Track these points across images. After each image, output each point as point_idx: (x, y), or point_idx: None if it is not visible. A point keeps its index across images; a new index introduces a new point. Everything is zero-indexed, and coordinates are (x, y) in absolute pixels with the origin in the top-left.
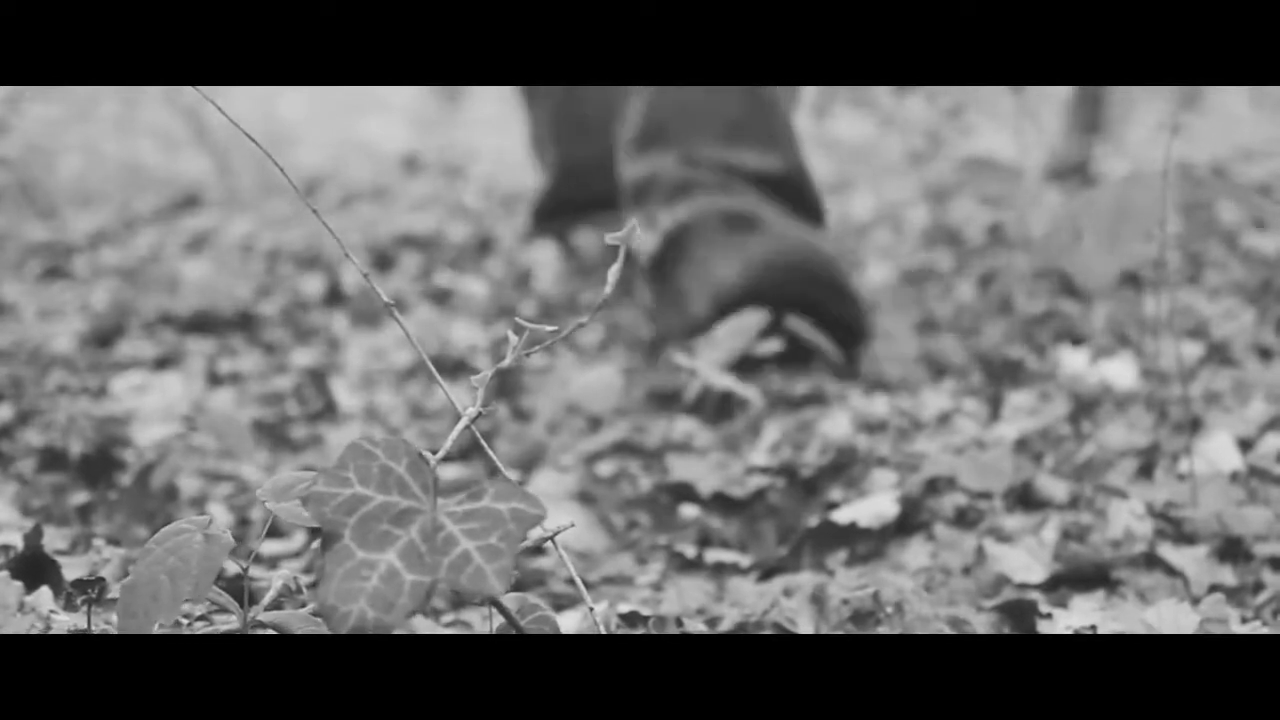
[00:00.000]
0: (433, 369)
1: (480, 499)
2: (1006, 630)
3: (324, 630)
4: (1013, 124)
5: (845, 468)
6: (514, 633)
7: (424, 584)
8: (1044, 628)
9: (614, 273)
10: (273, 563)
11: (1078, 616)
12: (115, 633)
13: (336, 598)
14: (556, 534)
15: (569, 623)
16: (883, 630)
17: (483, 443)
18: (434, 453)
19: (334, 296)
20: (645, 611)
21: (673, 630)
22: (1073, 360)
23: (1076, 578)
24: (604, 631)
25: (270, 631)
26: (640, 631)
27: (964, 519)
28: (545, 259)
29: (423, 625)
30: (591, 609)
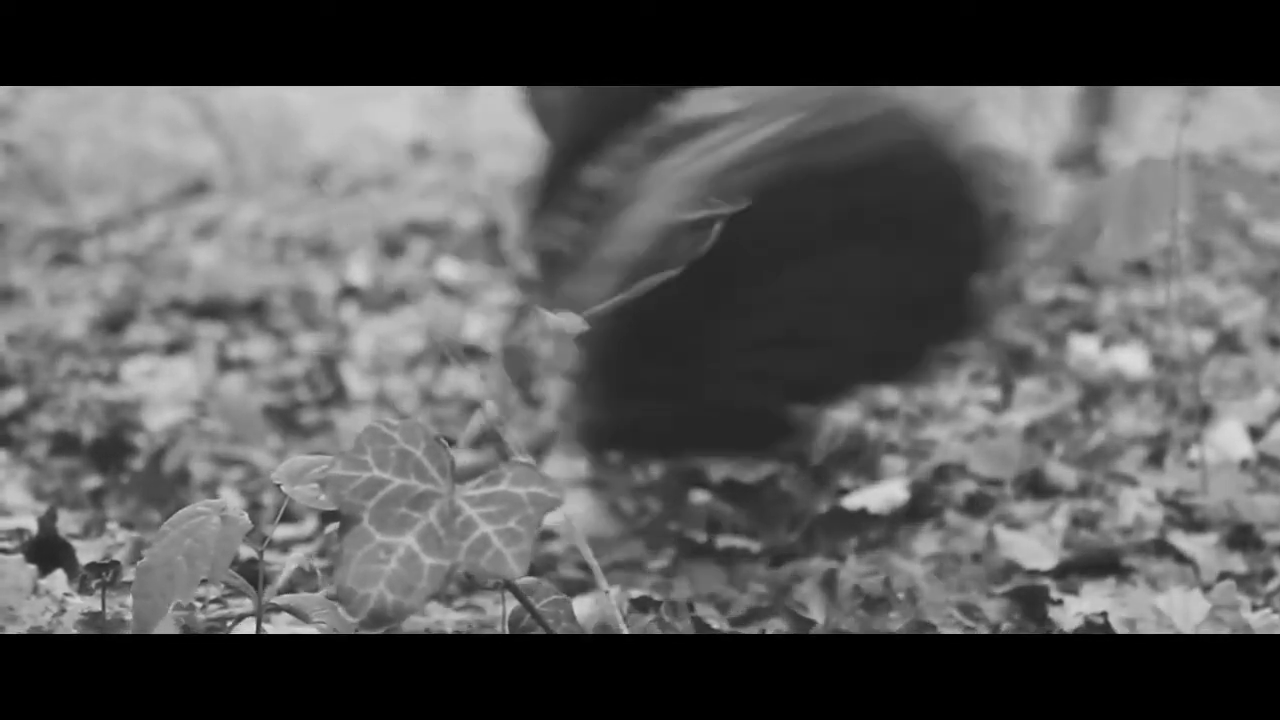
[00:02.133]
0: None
1: (498, 483)
2: (1018, 616)
3: (337, 612)
4: (1021, 113)
5: (856, 454)
6: (527, 618)
7: (443, 567)
8: (1055, 614)
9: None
10: (285, 547)
11: (1088, 603)
12: (129, 617)
13: (355, 581)
14: (572, 523)
15: (581, 608)
16: (894, 616)
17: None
18: (450, 441)
19: (343, 283)
20: (657, 596)
21: (684, 614)
22: (1083, 348)
23: (1087, 564)
24: (618, 614)
25: (284, 618)
26: (651, 616)
27: (974, 506)
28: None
29: (435, 610)
30: (607, 592)
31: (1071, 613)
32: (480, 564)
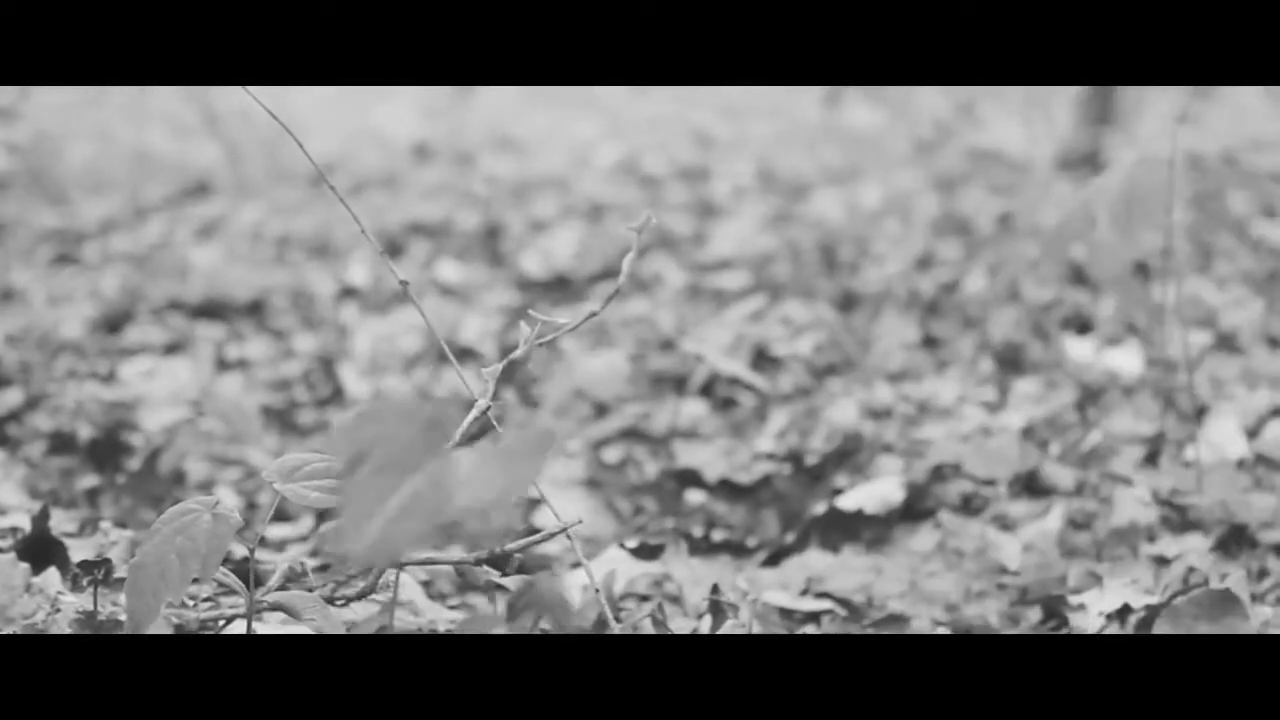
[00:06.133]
0: (448, 352)
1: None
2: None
3: (327, 612)
4: (1022, 114)
5: (851, 454)
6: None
7: (442, 511)
8: (1069, 612)
9: (628, 262)
10: (279, 546)
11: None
12: (122, 616)
13: (353, 517)
14: (567, 528)
15: (571, 593)
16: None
17: (496, 426)
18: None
19: (343, 284)
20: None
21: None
22: (1079, 348)
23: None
24: (608, 609)
25: (277, 617)
26: (645, 613)
27: (969, 505)
28: (563, 239)
29: (429, 609)
30: (598, 591)
31: (1093, 612)
32: (476, 507)
